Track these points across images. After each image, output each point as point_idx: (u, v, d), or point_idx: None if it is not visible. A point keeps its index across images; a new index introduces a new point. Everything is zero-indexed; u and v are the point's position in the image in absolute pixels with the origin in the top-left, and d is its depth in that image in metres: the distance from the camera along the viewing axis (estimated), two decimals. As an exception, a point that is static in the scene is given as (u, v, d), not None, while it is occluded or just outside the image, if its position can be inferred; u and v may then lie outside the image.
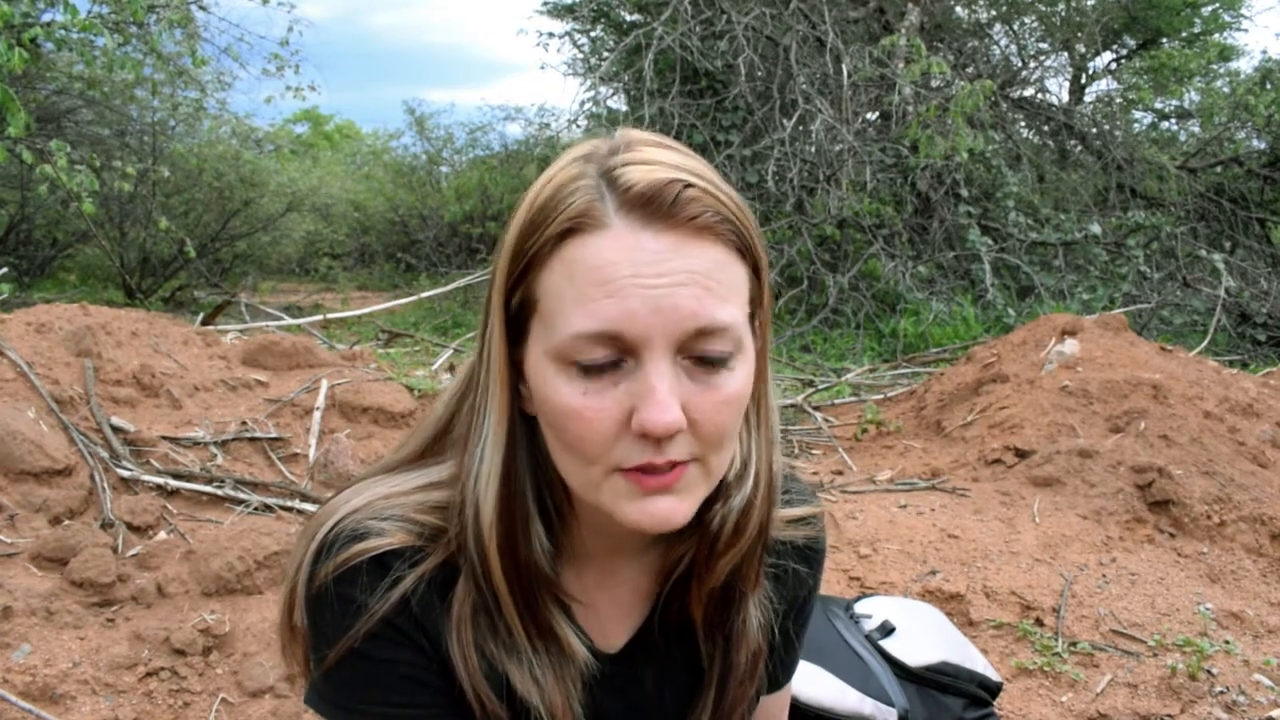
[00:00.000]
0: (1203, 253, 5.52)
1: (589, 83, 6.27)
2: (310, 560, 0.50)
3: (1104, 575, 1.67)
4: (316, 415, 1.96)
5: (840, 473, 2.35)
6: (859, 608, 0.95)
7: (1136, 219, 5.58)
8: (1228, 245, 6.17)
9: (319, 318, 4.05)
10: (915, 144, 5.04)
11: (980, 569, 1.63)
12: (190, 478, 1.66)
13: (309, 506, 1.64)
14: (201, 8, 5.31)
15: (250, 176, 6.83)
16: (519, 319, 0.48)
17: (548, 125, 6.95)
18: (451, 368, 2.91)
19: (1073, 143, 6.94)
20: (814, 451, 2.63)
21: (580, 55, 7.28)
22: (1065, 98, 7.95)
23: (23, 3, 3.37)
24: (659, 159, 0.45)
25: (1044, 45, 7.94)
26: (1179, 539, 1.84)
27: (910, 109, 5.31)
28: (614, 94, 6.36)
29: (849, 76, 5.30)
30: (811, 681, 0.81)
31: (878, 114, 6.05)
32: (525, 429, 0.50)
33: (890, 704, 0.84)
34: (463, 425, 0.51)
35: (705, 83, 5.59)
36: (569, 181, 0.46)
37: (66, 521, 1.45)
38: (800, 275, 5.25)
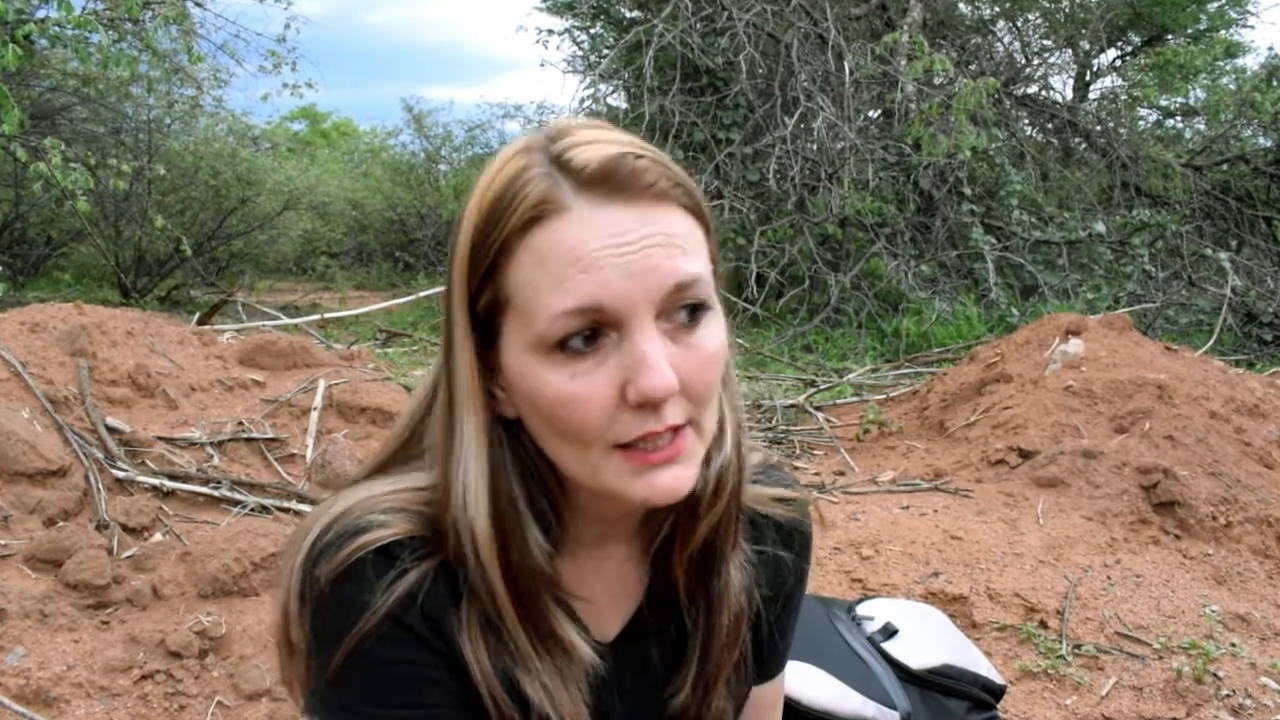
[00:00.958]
0: (1208, 251, 5.49)
1: (588, 80, 6.26)
2: (308, 565, 0.49)
3: (1109, 577, 1.65)
4: (314, 415, 1.95)
5: (842, 473, 2.33)
6: (861, 609, 0.94)
7: (1141, 217, 5.55)
8: (1233, 244, 6.15)
9: (316, 317, 4.04)
10: (918, 142, 5.02)
11: (983, 571, 1.61)
12: (186, 479, 1.65)
13: (306, 508, 1.62)
14: (197, 4, 5.30)
15: (247, 175, 6.81)
16: (488, 320, 0.47)
17: (547, 123, 6.89)
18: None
19: (1077, 140, 6.92)
20: (816, 452, 2.62)
21: (580, 52, 7.26)
22: (1069, 95, 7.93)
23: (17, -1, 3.36)
24: (601, 137, 0.46)
25: (1048, 42, 7.91)
26: (1184, 540, 1.82)
27: (913, 106, 5.29)
28: (614, 91, 6.34)
29: (851, 74, 5.28)
30: (813, 684, 0.81)
31: (880, 112, 6.03)
32: (504, 432, 0.49)
33: (892, 707, 0.83)
34: (438, 438, 0.50)
35: (706, 80, 5.57)
36: (519, 174, 0.46)
37: (61, 523, 1.44)
38: (802, 274, 5.23)
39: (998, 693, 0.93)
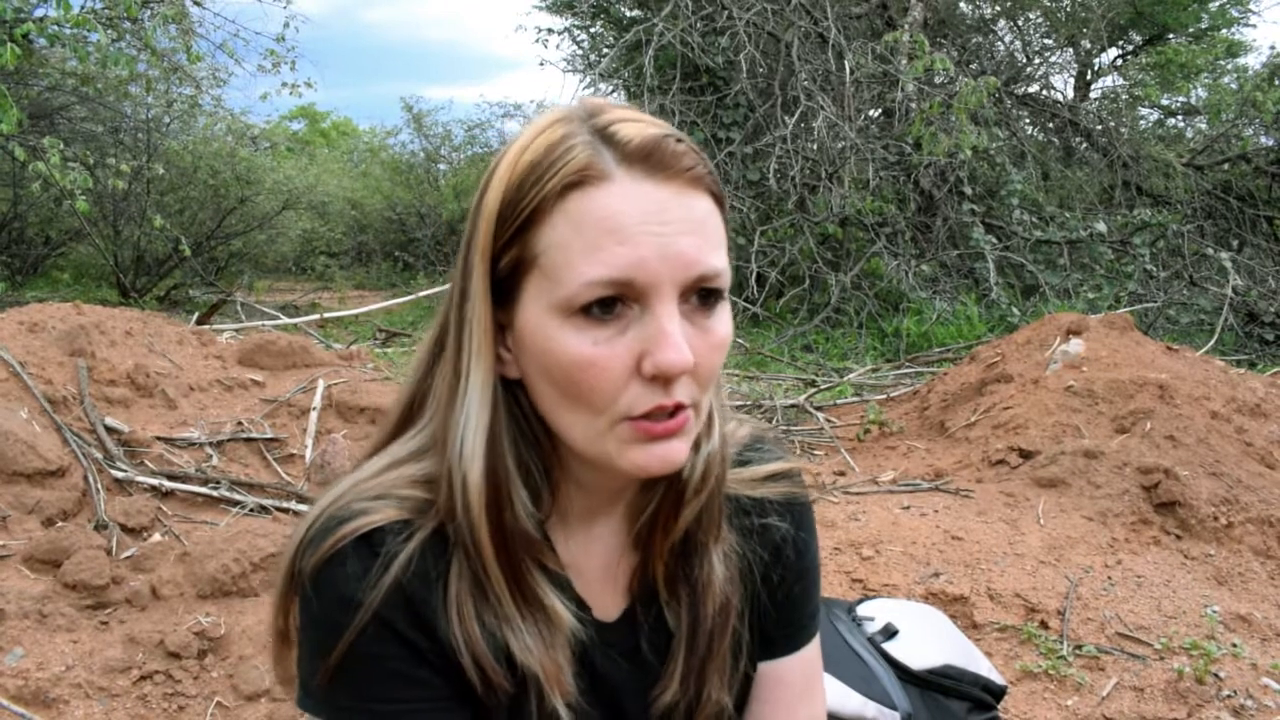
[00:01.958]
0: (1210, 251, 5.48)
1: (588, 79, 6.25)
2: (297, 556, 0.50)
3: (1109, 577, 1.65)
4: (313, 415, 1.94)
5: (843, 473, 2.33)
6: (861, 610, 0.94)
7: (1142, 217, 5.54)
8: (1235, 243, 6.13)
9: (315, 317, 4.04)
10: (918, 141, 5.01)
11: (984, 571, 1.61)
12: (185, 479, 1.64)
13: (305, 508, 1.62)
14: (196, 3, 5.29)
15: (246, 174, 6.80)
16: (509, 279, 0.48)
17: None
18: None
19: (1078, 140, 6.90)
20: (816, 452, 2.61)
21: (580, 51, 7.25)
22: (1070, 94, 7.91)
23: (16, -1, 3.36)
24: (641, 118, 0.48)
25: (1049, 41, 7.89)
26: (1185, 541, 1.82)
27: (913, 106, 5.28)
28: (614, 91, 6.33)
29: (851, 73, 5.27)
30: (813, 684, 0.80)
31: (880, 111, 6.02)
32: (505, 392, 0.50)
33: (893, 707, 0.83)
34: (441, 390, 0.51)
35: (706, 79, 5.56)
36: (561, 140, 0.47)
37: (60, 523, 1.44)
38: (802, 274, 5.22)
39: (998, 693, 0.93)
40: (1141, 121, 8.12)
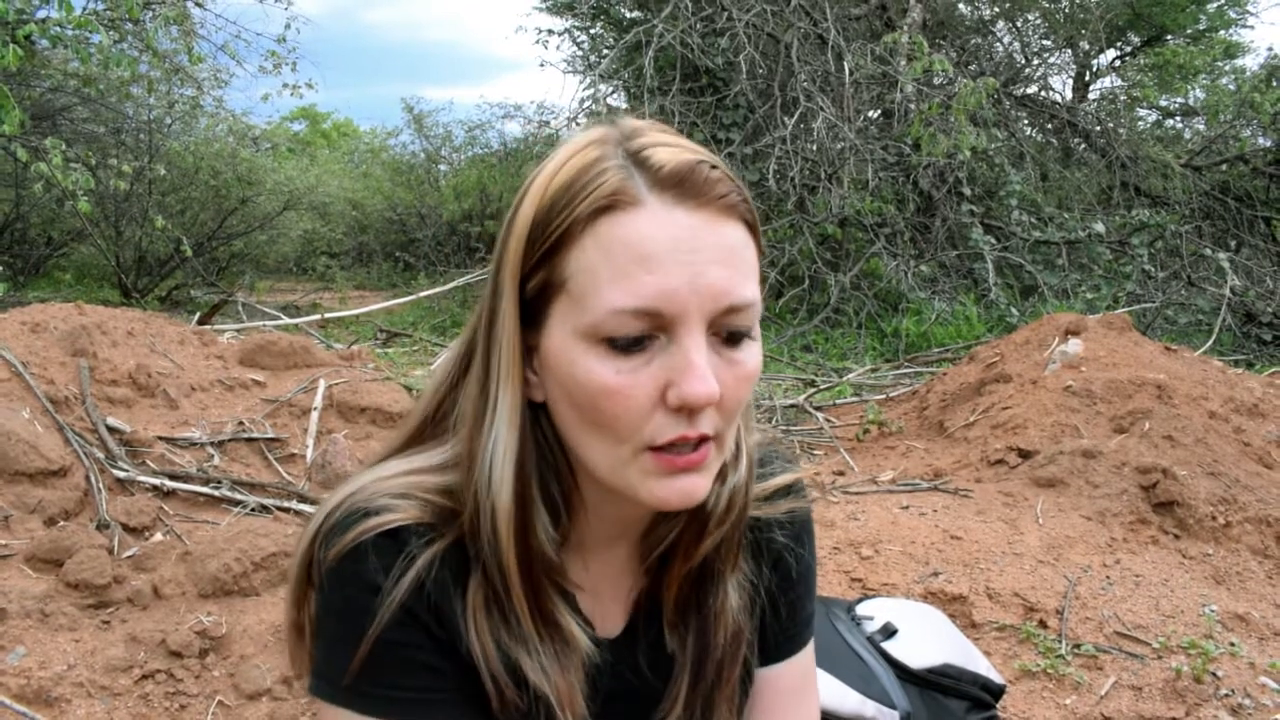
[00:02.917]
0: (1208, 251, 5.49)
1: (589, 80, 6.25)
2: (318, 545, 0.49)
3: (1108, 577, 1.65)
4: (314, 415, 1.95)
5: (842, 473, 2.34)
6: (861, 609, 0.94)
7: (1141, 217, 5.55)
8: (1233, 244, 6.14)
9: (316, 317, 4.05)
10: (917, 142, 5.02)
11: (983, 570, 1.62)
12: (187, 478, 1.65)
13: (306, 507, 1.62)
14: (198, 4, 5.29)
15: (247, 175, 6.80)
16: (537, 301, 0.48)
17: (547, 123, 6.91)
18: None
19: (1076, 140, 6.91)
20: (815, 452, 2.62)
21: (580, 52, 7.25)
22: (1069, 95, 7.92)
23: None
24: (677, 142, 0.48)
25: (1047, 42, 7.90)
26: (1184, 540, 1.82)
27: (912, 107, 5.29)
28: (614, 92, 6.33)
29: (851, 74, 5.28)
30: (812, 683, 0.81)
31: (880, 112, 6.03)
32: (530, 415, 0.49)
33: (892, 706, 0.83)
34: (467, 411, 0.50)
35: (706, 80, 5.57)
36: (593, 163, 0.46)
37: (62, 523, 1.44)
38: (802, 274, 5.23)
39: (997, 692, 0.93)
40: (1140, 122, 8.13)
